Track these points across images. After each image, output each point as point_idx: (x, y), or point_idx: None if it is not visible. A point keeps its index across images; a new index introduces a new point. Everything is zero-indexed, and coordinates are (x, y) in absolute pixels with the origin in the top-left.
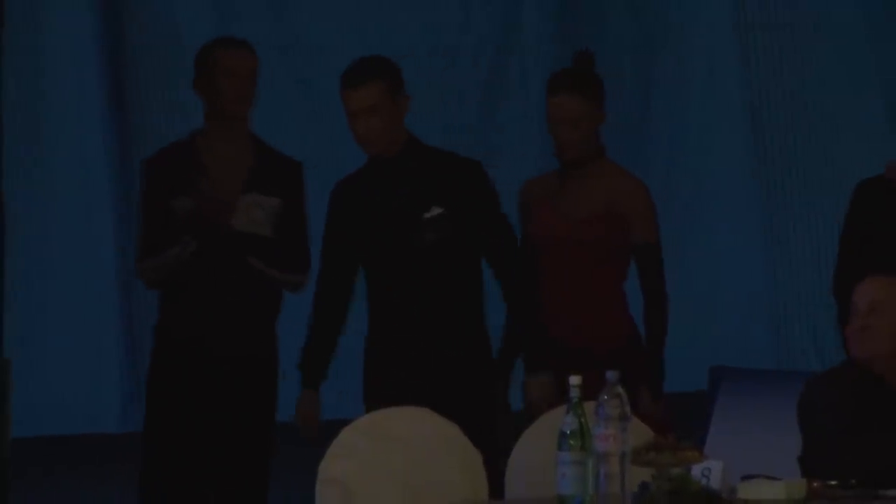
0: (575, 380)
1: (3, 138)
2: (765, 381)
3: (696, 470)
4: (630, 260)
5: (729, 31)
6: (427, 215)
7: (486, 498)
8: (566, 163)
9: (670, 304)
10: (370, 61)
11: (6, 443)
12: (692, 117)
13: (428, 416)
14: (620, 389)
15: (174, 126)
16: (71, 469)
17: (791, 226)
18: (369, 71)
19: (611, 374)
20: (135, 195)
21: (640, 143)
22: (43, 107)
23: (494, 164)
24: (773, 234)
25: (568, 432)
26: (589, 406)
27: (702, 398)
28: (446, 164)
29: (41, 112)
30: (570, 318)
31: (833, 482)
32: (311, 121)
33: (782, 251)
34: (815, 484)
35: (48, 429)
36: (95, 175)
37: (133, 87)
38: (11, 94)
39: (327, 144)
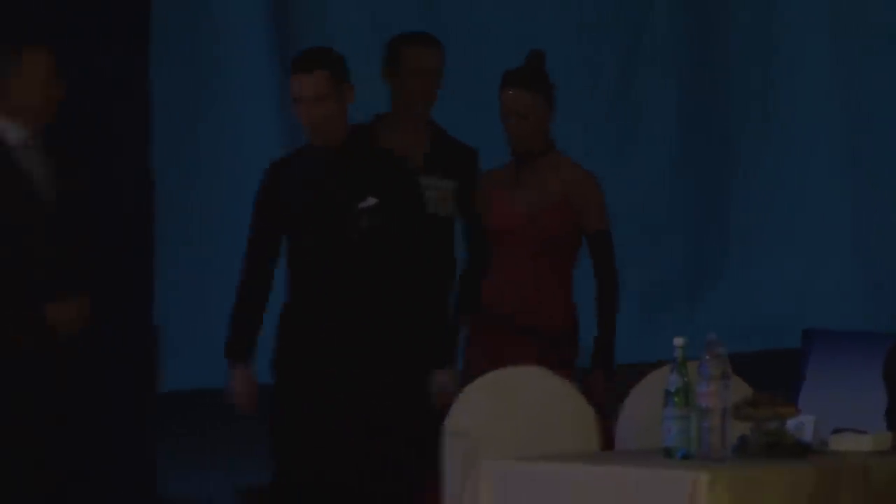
0: (679, 341)
1: (153, 124)
2: (857, 342)
3: (791, 424)
4: (578, 247)
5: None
6: (363, 205)
7: (596, 449)
8: (517, 154)
9: (774, 263)
10: (319, 50)
11: (154, 402)
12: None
13: (543, 373)
14: (721, 350)
15: None
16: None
17: None
18: (317, 59)
19: (712, 336)
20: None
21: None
22: (220, 102)
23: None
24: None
25: (673, 390)
26: (692, 366)
27: (796, 357)
28: (383, 158)
29: (224, 109)
30: (520, 299)
31: None
32: (469, 109)
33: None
34: None
35: (203, 382)
36: (266, 139)
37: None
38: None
39: (477, 129)
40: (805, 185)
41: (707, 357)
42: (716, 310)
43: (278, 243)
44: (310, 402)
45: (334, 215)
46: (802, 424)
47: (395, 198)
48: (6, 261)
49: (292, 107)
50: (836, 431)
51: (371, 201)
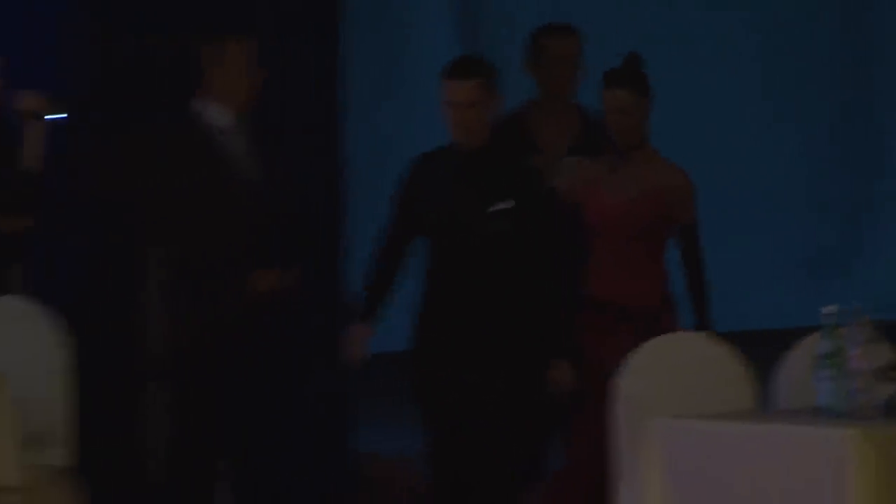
0: (830, 308)
1: (345, 105)
2: None
3: None
4: (670, 235)
5: None
6: (493, 208)
7: (751, 408)
8: (620, 148)
9: None
10: (475, 59)
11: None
12: None
13: (703, 340)
14: (869, 317)
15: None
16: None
17: None
18: (473, 68)
19: (860, 304)
20: None
21: None
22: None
23: None
24: None
25: (825, 353)
26: (843, 331)
27: None
28: (518, 164)
29: (413, 88)
30: (617, 284)
31: None
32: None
33: None
34: None
35: (391, 346)
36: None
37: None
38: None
39: None
40: None
41: (856, 323)
42: (867, 279)
43: (410, 238)
44: (443, 391)
45: (465, 217)
46: None
47: (526, 203)
48: (211, 235)
49: (442, 108)
50: None
51: (502, 205)
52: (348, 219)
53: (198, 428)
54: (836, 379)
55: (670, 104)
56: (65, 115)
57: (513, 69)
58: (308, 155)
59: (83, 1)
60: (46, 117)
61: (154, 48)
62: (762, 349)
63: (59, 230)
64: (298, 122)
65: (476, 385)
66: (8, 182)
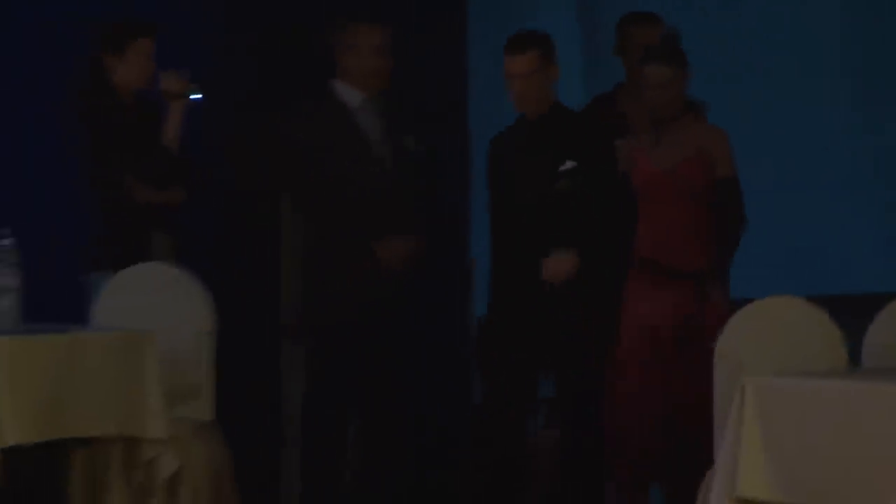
0: None
1: (469, 89)
2: None
3: None
4: (714, 194)
5: None
6: (563, 168)
7: (844, 367)
8: (657, 119)
9: None
10: (531, 33)
11: (470, 326)
12: None
13: (798, 302)
14: None
15: None
16: None
17: None
18: (529, 41)
19: None
20: None
21: None
22: None
23: None
24: None
25: None
26: None
27: None
28: (583, 126)
29: None
30: (663, 244)
31: None
32: None
33: None
34: None
35: None
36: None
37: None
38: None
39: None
40: None
41: None
42: None
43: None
44: (509, 337)
45: (536, 176)
46: None
47: (591, 162)
48: (346, 203)
49: (506, 83)
50: None
51: (569, 164)
52: (471, 187)
53: (330, 383)
54: None
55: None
56: (201, 96)
57: None
58: (437, 130)
59: None
60: (189, 97)
61: (292, 34)
62: (854, 313)
63: (200, 201)
64: (429, 101)
65: (540, 339)
66: (163, 159)
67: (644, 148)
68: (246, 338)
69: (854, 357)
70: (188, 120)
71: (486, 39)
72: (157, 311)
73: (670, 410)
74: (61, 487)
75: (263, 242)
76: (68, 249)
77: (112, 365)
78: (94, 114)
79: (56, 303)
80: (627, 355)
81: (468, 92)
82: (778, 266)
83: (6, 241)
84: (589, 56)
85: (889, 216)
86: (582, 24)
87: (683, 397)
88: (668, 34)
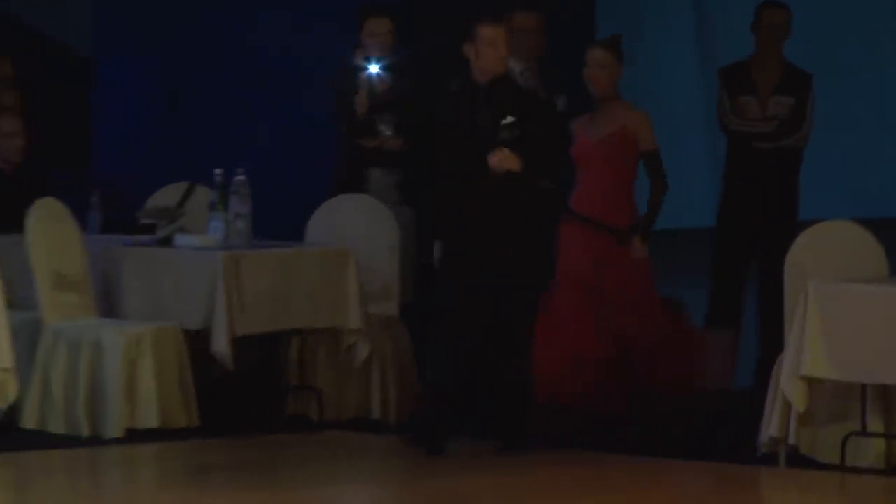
0: None
1: None
2: None
3: None
4: (638, 164)
5: None
6: (504, 121)
7: (885, 276)
8: (595, 97)
9: None
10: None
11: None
12: None
13: (851, 225)
14: None
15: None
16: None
17: None
18: (499, 17)
19: None
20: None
21: None
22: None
23: None
24: None
25: None
26: None
27: None
28: (522, 92)
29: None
30: (597, 203)
31: None
32: None
33: None
34: None
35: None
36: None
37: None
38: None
39: None
40: None
41: None
42: None
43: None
44: (464, 258)
45: (485, 126)
46: None
47: (527, 118)
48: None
49: (482, 49)
50: None
51: (510, 119)
52: None
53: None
54: None
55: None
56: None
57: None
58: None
59: None
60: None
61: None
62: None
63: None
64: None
65: (492, 250)
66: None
67: (582, 124)
68: (421, 252)
69: (894, 268)
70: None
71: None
72: (357, 233)
73: (590, 340)
74: (279, 369)
75: (432, 176)
76: (290, 183)
77: (321, 273)
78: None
79: (280, 224)
80: (558, 290)
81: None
82: (839, 191)
83: (240, 177)
84: (702, 44)
85: None
86: (696, 18)
87: (603, 330)
88: (615, 37)
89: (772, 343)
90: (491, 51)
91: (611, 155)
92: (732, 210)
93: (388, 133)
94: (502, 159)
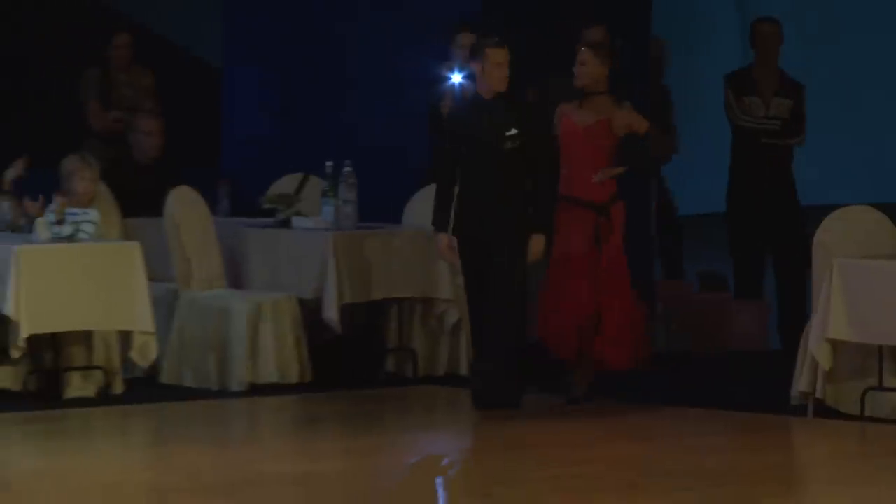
0: None
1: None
2: None
3: None
4: (616, 150)
5: None
6: (508, 133)
7: None
8: (582, 88)
9: None
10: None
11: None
12: None
13: (870, 209)
14: None
15: None
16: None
17: None
18: (504, 41)
19: None
20: None
21: None
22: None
23: None
24: None
25: None
26: None
27: None
28: (523, 106)
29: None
30: (581, 182)
31: None
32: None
33: None
34: None
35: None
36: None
37: None
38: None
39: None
40: None
41: None
42: None
43: (457, 155)
44: (473, 244)
45: (492, 136)
46: None
47: (528, 131)
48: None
49: (489, 69)
50: None
51: (513, 131)
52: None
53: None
54: None
55: None
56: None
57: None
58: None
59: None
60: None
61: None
62: None
63: None
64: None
65: (495, 240)
66: None
67: (570, 111)
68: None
69: None
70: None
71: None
72: None
73: (583, 303)
74: (380, 333)
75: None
76: (390, 174)
77: (417, 250)
78: None
79: (381, 209)
80: (556, 269)
81: (648, 80)
82: (859, 178)
83: (348, 169)
84: (745, 42)
85: None
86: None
87: (592, 295)
88: (605, 38)
89: (790, 310)
90: (497, 70)
91: (594, 141)
92: (741, 197)
93: None
94: (537, 251)
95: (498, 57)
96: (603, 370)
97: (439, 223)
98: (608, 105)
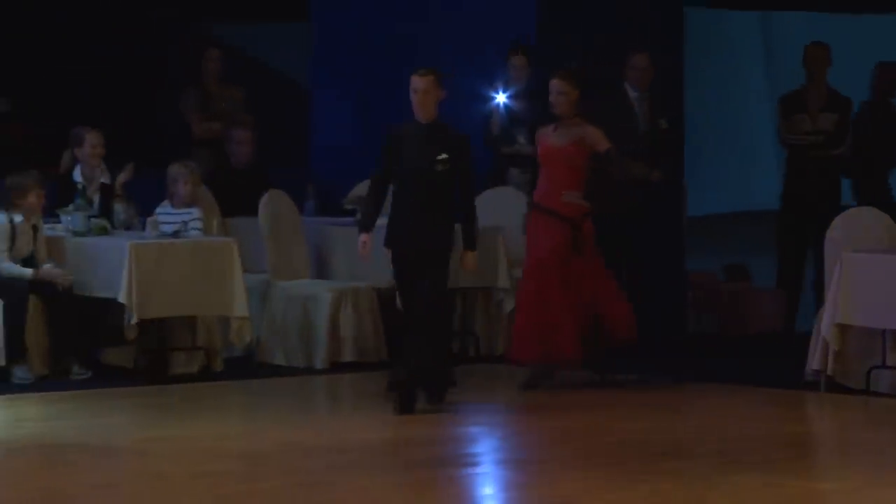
0: None
1: (684, 89)
2: None
3: None
4: (587, 167)
5: None
6: (439, 157)
7: None
8: (558, 116)
9: None
10: (430, 68)
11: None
12: None
13: (874, 211)
14: None
15: None
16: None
17: None
18: (428, 70)
19: None
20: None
21: None
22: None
23: None
24: None
25: None
26: None
27: None
28: (452, 133)
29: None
30: (555, 197)
31: None
32: None
33: None
34: None
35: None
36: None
37: None
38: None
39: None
40: None
41: None
42: None
43: (391, 171)
44: (404, 254)
45: (425, 159)
46: None
47: (455, 155)
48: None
49: (412, 96)
50: None
51: (444, 155)
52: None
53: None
54: None
55: None
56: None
57: None
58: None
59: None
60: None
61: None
62: None
63: None
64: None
65: (425, 253)
66: None
67: (547, 133)
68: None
69: None
70: None
71: (703, 54)
72: (502, 213)
73: (556, 304)
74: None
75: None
76: None
77: (478, 245)
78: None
79: None
80: (529, 275)
81: (684, 93)
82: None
83: None
84: (769, 60)
85: None
86: (764, 40)
87: (565, 298)
88: (578, 68)
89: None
90: (414, 97)
91: (569, 161)
92: (790, 202)
93: (523, 142)
94: (470, 266)
95: (414, 84)
96: (622, 343)
97: (363, 224)
98: (580, 126)
